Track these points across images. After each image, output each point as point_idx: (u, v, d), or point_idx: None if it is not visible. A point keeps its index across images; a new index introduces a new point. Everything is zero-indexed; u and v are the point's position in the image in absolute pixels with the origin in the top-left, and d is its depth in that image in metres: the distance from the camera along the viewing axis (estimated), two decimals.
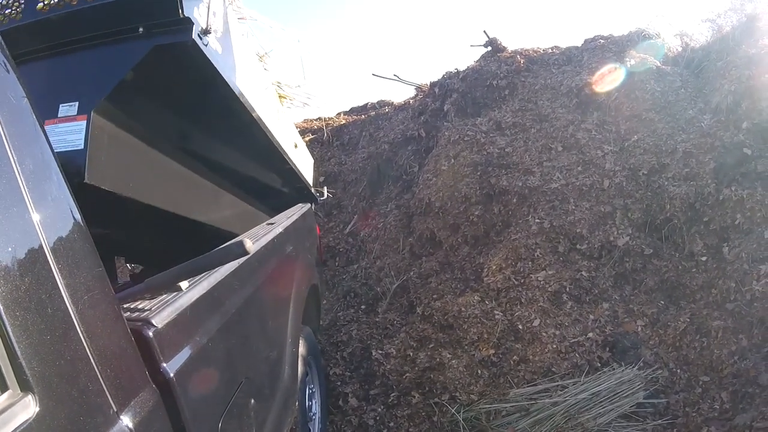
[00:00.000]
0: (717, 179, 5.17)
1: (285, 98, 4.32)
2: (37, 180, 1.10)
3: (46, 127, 1.86)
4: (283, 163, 3.86)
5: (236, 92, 2.72)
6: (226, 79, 2.57)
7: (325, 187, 5.36)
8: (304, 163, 4.42)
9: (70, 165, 2.01)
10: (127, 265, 3.94)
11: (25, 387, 0.93)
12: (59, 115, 2.12)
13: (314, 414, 3.72)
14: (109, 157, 2.24)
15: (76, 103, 2.12)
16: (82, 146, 2.07)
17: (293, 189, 4.44)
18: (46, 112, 2.08)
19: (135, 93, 2.33)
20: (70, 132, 2.10)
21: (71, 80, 2.22)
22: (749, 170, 4.94)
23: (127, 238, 3.20)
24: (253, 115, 3.00)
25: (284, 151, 3.76)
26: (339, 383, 4.52)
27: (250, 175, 3.86)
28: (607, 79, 6.91)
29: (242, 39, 2.93)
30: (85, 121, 2.09)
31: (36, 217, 1.05)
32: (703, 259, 4.92)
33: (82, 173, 2.04)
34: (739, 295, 4.32)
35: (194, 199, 3.13)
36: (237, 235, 3.57)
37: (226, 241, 3.34)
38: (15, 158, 1.03)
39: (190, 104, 2.82)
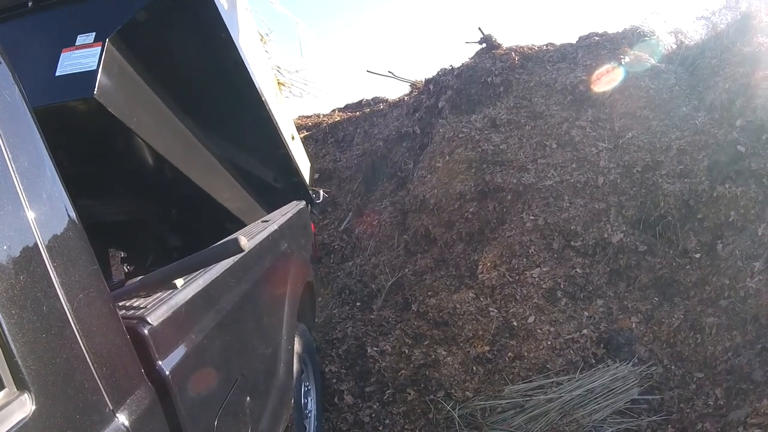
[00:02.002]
0: (711, 176, 5.19)
1: (283, 85, 4.33)
2: (32, 177, 1.10)
3: (62, 54, 1.91)
4: (281, 149, 3.88)
5: (241, 56, 2.91)
6: (233, 37, 2.78)
7: (321, 190, 5.35)
8: (300, 157, 4.41)
9: (81, 82, 2.19)
10: (124, 267, 3.93)
11: (21, 385, 0.93)
12: (76, 44, 2.28)
13: (310, 411, 3.72)
14: (119, 86, 2.39)
15: (93, 33, 2.28)
16: (94, 67, 2.21)
17: (290, 184, 4.42)
18: (66, 43, 2.28)
19: (146, 36, 2.49)
20: (85, 57, 2.25)
21: (90, 17, 2.36)
22: (743, 167, 4.95)
23: (122, 189, 3.23)
24: (256, 87, 3.15)
25: (283, 136, 3.79)
26: (334, 380, 4.52)
27: (248, 158, 3.86)
28: (602, 76, 6.92)
29: (246, 11, 3.09)
30: (99, 47, 2.25)
31: (31, 215, 1.05)
32: (697, 256, 4.94)
33: (91, 88, 2.18)
34: (732, 292, 4.33)
35: (191, 160, 3.15)
36: (226, 210, 3.58)
37: (213, 212, 3.34)
38: (9, 156, 1.03)
39: (196, 64, 2.96)
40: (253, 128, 3.59)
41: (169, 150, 2.88)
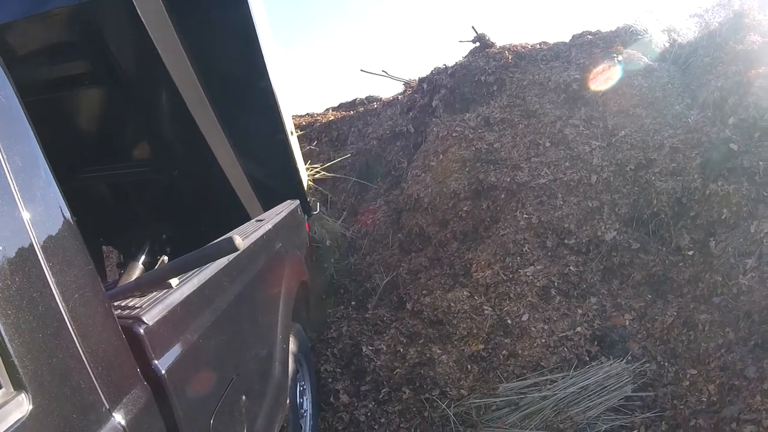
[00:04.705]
0: (703, 174, 5.21)
1: None
2: (27, 178, 1.10)
3: None
4: (282, 134, 3.89)
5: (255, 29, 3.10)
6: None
7: (318, 203, 5.35)
8: (299, 159, 4.40)
9: None
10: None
11: (18, 385, 0.94)
12: None
13: (305, 411, 3.73)
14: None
15: None
16: None
17: (287, 184, 4.40)
18: None
19: None
20: None
21: None
22: (735, 165, 4.98)
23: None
24: (265, 61, 3.30)
25: (285, 125, 3.83)
26: (330, 380, 4.52)
27: (250, 142, 3.85)
28: (595, 75, 6.94)
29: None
30: None
31: (26, 215, 1.05)
32: (690, 253, 4.96)
33: None
34: (725, 289, 4.35)
35: (200, 110, 3.23)
36: (228, 185, 3.58)
37: (214, 182, 3.35)
38: (4, 156, 1.03)
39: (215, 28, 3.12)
40: (256, 109, 3.62)
41: (182, 85, 2.97)
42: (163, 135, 3.41)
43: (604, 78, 6.83)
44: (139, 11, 2.51)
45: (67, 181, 3.37)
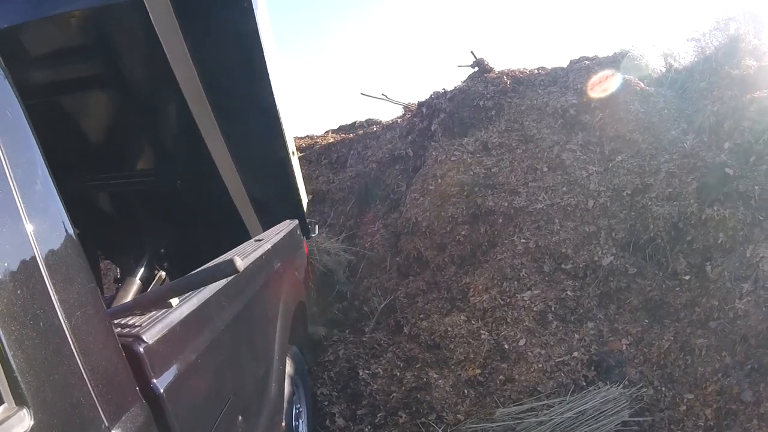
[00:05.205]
0: (699, 199, 5.24)
1: None
2: (31, 193, 1.11)
3: None
4: (284, 153, 3.89)
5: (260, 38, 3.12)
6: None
7: (317, 226, 5.37)
8: (300, 180, 4.41)
9: None
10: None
11: (20, 401, 0.94)
12: None
13: None
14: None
15: None
16: None
17: (286, 206, 4.41)
18: None
19: None
20: None
21: None
22: (731, 190, 5.01)
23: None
24: (270, 78, 3.32)
25: (287, 144, 3.83)
26: (326, 403, 4.50)
27: (252, 159, 3.87)
28: (592, 100, 7.01)
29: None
30: None
31: (30, 230, 1.06)
32: (687, 277, 4.98)
33: None
34: (722, 313, 4.37)
35: (204, 120, 3.24)
36: (228, 198, 3.58)
37: (216, 194, 3.36)
38: (9, 170, 1.05)
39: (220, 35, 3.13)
40: (259, 125, 3.64)
41: (189, 94, 3.00)
42: (168, 144, 3.43)
43: (601, 103, 6.89)
44: (152, 18, 2.56)
45: (72, 188, 3.42)
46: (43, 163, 1.18)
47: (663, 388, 4.20)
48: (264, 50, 3.22)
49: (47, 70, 2.91)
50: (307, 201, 4.72)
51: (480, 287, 5.62)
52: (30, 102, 1.20)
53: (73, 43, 2.83)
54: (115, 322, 1.48)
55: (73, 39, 2.80)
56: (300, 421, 3.71)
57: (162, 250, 3.81)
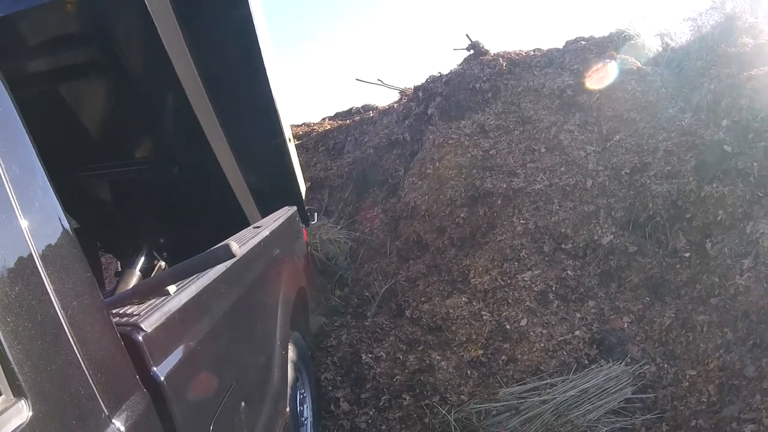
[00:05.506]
0: (698, 176, 5.23)
1: None
2: (24, 186, 1.10)
3: None
4: (280, 138, 3.89)
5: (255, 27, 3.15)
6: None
7: (316, 213, 5.36)
8: (297, 167, 4.39)
9: None
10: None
11: (17, 392, 0.94)
12: None
13: (306, 419, 3.72)
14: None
15: None
16: None
17: (285, 193, 4.40)
18: None
19: None
20: None
21: None
22: (729, 167, 5.00)
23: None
24: (264, 62, 3.33)
25: (284, 129, 3.83)
26: (330, 388, 4.51)
27: (248, 144, 3.84)
28: (589, 80, 6.98)
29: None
30: None
31: (24, 223, 1.06)
32: (687, 255, 4.98)
33: None
34: (722, 290, 4.37)
35: (201, 106, 3.25)
36: (228, 186, 3.58)
37: (214, 182, 3.38)
38: (2, 164, 1.04)
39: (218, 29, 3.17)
40: (255, 110, 3.64)
41: (185, 79, 2.99)
42: (164, 130, 3.41)
43: (598, 83, 6.86)
44: (147, 4, 2.55)
45: (68, 178, 3.42)
46: (36, 156, 1.18)
47: (665, 365, 4.22)
48: (260, 38, 3.23)
49: (42, 58, 2.90)
50: (305, 188, 4.71)
51: (480, 269, 5.62)
52: (24, 91, 1.19)
53: (69, 29, 2.82)
54: (114, 311, 1.48)
55: (68, 26, 2.80)
56: (304, 406, 3.74)
57: (161, 240, 3.80)
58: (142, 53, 2.98)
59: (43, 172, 1.18)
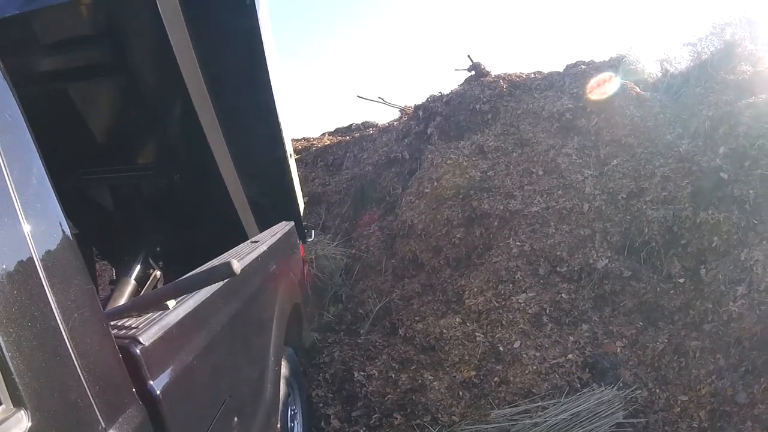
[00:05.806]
0: (694, 203, 5.26)
1: None
2: (29, 194, 1.11)
3: None
4: (282, 152, 3.91)
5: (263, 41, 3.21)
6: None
7: (313, 230, 5.37)
8: (297, 183, 4.40)
9: None
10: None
11: (17, 402, 0.95)
12: None
13: None
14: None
15: None
16: None
17: (283, 207, 4.40)
18: None
19: None
20: None
21: None
22: (726, 194, 5.03)
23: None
24: (270, 76, 3.39)
25: (285, 144, 3.85)
26: (321, 405, 4.51)
27: (249, 159, 3.85)
28: (588, 104, 7.03)
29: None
30: None
31: (27, 231, 1.07)
32: (681, 281, 5.00)
33: None
34: (716, 316, 4.39)
35: (206, 113, 3.26)
36: (226, 193, 3.58)
37: (214, 189, 3.37)
38: (7, 170, 1.05)
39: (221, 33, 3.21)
40: (258, 123, 3.67)
41: (191, 86, 3.01)
42: (168, 136, 3.43)
43: (597, 107, 6.91)
44: (159, 7, 2.58)
45: (71, 184, 3.42)
46: (41, 162, 1.19)
47: (657, 390, 4.22)
48: (266, 50, 3.27)
49: (51, 57, 2.93)
50: (303, 204, 4.72)
51: (475, 290, 5.63)
52: (32, 89, 1.20)
53: (80, 30, 2.85)
54: (112, 323, 1.49)
55: (80, 26, 2.82)
56: (295, 422, 3.72)
57: (158, 249, 3.80)
58: (151, 57, 3.02)
59: (47, 178, 1.19)
